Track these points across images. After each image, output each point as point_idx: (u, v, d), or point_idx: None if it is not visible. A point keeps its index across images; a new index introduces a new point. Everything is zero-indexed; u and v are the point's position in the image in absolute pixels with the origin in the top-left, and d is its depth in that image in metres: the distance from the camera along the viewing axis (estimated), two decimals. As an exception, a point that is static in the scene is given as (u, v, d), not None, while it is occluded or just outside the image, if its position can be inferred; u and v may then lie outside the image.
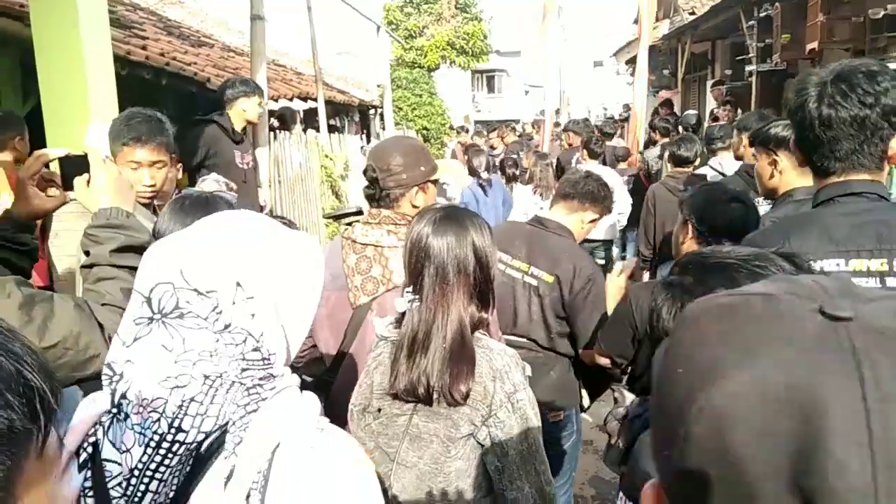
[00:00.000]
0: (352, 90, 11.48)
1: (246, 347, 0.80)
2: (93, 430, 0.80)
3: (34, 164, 1.40)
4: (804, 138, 1.43)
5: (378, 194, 1.85)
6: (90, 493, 0.76)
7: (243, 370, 0.80)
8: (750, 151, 3.75)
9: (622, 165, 7.68)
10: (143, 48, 4.99)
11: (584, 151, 6.19)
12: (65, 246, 2.44)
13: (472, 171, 5.34)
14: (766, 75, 8.28)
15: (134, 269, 1.29)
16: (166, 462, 0.76)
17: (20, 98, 4.40)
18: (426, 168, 1.86)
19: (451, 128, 15.26)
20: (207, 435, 0.78)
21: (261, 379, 0.81)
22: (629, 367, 2.39)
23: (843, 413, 0.38)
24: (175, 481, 0.77)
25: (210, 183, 2.66)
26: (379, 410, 1.45)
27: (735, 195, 2.09)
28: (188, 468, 0.77)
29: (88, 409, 0.80)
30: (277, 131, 6.48)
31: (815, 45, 6.31)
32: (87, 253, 1.34)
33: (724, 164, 4.38)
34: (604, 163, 6.79)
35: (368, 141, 11.01)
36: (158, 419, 0.77)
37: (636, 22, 11.11)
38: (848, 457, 0.37)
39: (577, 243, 2.51)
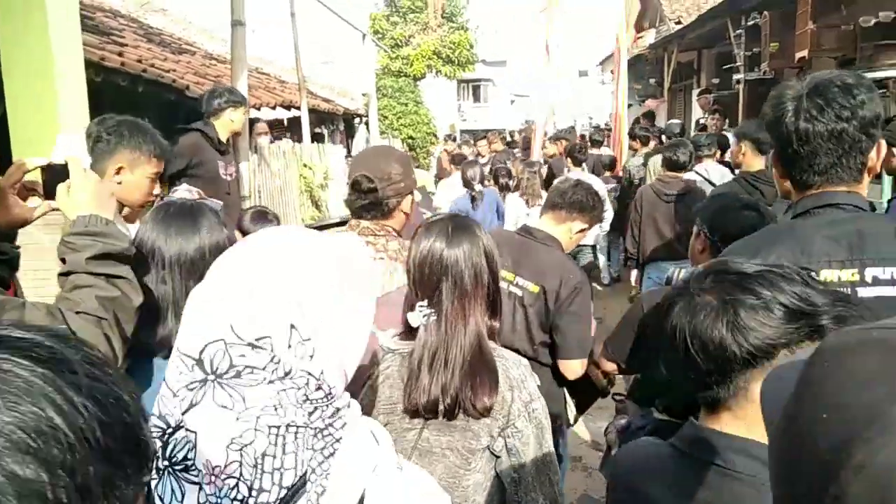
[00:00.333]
0: (337, 99, 11.34)
1: (309, 389, 0.75)
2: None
3: (15, 172, 1.39)
4: (783, 152, 1.43)
5: (374, 204, 1.84)
6: None
7: (310, 413, 0.76)
8: (750, 159, 3.74)
9: (608, 174, 7.85)
10: (120, 54, 4.81)
11: (568, 160, 6.49)
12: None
13: (467, 183, 5.36)
14: (753, 84, 8.34)
15: (111, 276, 1.27)
16: None
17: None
18: (413, 174, 1.95)
19: (448, 137, 15.07)
20: (289, 489, 0.73)
21: (330, 417, 0.77)
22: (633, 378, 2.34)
23: None
24: None
25: (182, 192, 2.58)
26: (386, 425, 1.38)
27: (747, 202, 2.08)
28: None
29: None
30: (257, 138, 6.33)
31: (804, 53, 6.33)
32: (63, 261, 1.31)
33: (709, 171, 4.94)
34: (592, 171, 6.97)
35: (349, 154, 10.92)
36: (236, 485, 0.72)
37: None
38: None
39: (564, 253, 2.49)
